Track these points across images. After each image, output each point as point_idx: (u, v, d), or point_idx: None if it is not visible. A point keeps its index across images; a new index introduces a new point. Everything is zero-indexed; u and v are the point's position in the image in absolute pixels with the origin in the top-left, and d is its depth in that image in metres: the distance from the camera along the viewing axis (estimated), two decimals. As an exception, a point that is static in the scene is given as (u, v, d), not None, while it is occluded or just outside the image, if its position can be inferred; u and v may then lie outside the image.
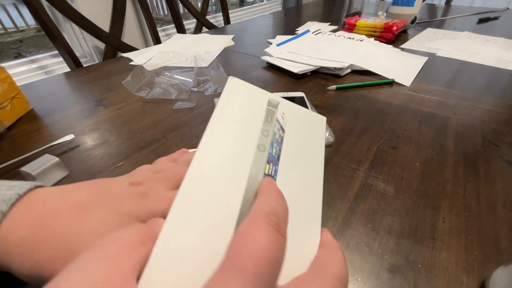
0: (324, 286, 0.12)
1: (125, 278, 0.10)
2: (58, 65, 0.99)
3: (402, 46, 0.73)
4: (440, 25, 0.95)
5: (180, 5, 1.10)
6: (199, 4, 1.28)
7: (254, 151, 0.16)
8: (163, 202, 0.16)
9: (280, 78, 0.56)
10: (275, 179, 0.16)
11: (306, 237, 0.15)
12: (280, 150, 0.17)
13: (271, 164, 0.16)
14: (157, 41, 1.06)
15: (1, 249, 0.14)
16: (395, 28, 0.74)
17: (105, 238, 0.12)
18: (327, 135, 0.34)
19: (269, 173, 0.16)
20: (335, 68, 0.56)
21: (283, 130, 0.18)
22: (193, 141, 0.38)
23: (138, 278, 0.11)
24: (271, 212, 0.12)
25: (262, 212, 0.12)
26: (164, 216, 0.13)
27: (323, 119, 0.20)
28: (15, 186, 0.16)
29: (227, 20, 1.27)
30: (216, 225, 0.13)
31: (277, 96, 0.19)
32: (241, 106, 0.17)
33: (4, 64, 0.79)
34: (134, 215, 0.16)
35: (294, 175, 0.17)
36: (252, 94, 0.18)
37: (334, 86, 0.51)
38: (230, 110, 0.17)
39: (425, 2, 1.29)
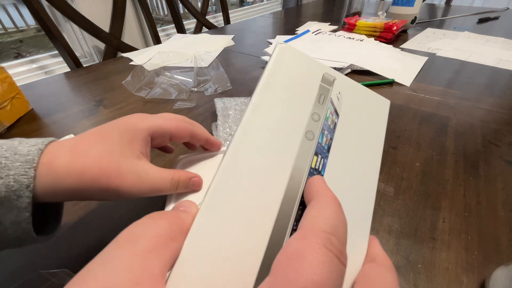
0: None
1: (154, 280, 0.10)
2: (58, 65, 0.99)
3: (402, 46, 0.73)
4: (440, 25, 0.95)
5: (180, 5, 1.10)
6: (199, 4, 1.28)
7: (301, 139, 0.13)
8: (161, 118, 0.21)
9: (280, 78, 0.56)
10: (322, 175, 0.13)
11: (353, 246, 0.12)
12: (331, 139, 0.14)
13: (320, 156, 0.13)
14: (157, 41, 1.06)
15: (53, 177, 0.16)
16: (395, 28, 0.74)
17: (135, 230, 0.11)
18: None
19: (316, 167, 0.13)
20: (335, 68, 0.56)
21: (337, 114, 0.15)
22: (193, 141, 0.38)
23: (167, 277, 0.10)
24: (331, 233, 0.10)
25: (321, 232, 0.10)
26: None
27: (386, 102, 0.17)
28: (38, 139, 0.18)
29: (227, 20, 1.27)
30: (251, 226, 0.11)
31: (334, 71, 0.16)
32: (289, 81, 0.14)
33: (4, 64, 0.78)
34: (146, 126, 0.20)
35: (344, 172, 0.14)
36: (304, 66, 0.15)
37: (334, 86, 0.51)
38: (276, 86, 0.14)
39: (425, 2, 1.29)
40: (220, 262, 0.11)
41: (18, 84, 0.45)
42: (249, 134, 0.13)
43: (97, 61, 1.07)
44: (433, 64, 0.62)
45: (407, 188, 0.29)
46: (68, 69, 0.80)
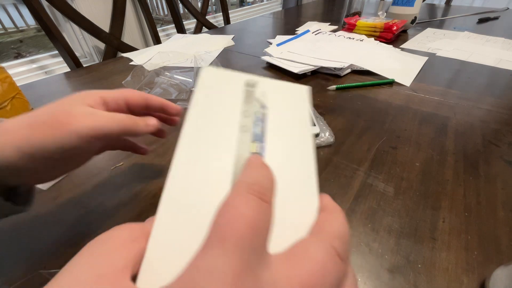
0: (322, 246, 0.11)
1: (117, 274, 0.10)
2: (58, 65, 0.99)
3: (402, 46, 0.73)
4: (440, 25, 0.95)
5: (180, 5, 1.10)
6: (199, 4, 1.28)
7: (237, 133, 0.16)
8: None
9: (280, 78, 0.56)
10: (262, 155, 0.15)
11: (302, 205, 0.14)
12: (264, 128, 0.17)
13: (257, 142, 0.16)
14: (157, 41, 1.06)
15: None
16: (395, 28, 0.74)
17: (100, 237, 0.12)
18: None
19: (257, 151, 0.15)
20: (335, 68, 0.56)
21: (265, 107, 0.18)
22: (193, 141, 0.38)
23: (135, 275, 0.11)
24: (253, 183, 0.12)
25: (244, 183, 0.12)
26: None
27: (305, 88, 0.20)
28: None
29: (227, 20, 1.27)
30: (207, 213, 0.13)
31: (256, 76, 0.19)
32: (217, 94, 0.17)
33: (4, 64, 0.78)
34: None
35: (282, 149, 0.16)
36: (227, 79, 0.18)
37: (334, 86, 0.51)
38: (206, 100, 0.17)
39: (425, 2, 1.29)
40: (184, 246, 0.12)
41: (18, 84, 0.45)
42: (192, 141, 0.15)
43: (97, 61, 1.07)
44: (433, 64, 0.62)
45: (407, 188, 0.29)
46: (68, 69, 0.80)
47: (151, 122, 0.22)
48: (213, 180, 0.14)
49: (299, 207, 0.14)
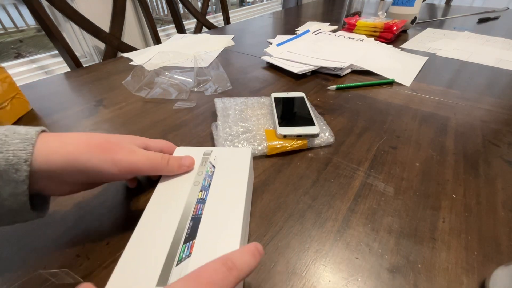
0: (217, 260, 0.15)
1: None
2: (58, 65, 0.99)
3: (402, 46, 0.73)
4: (440, 25, 0.95)
5: (180, 5, 1.10)
6: (199, 4, 1.28)
7: (191, 186, 0.23)
8: None
9: (280, 78, 0.56)
10: (205, 200, 0.21)
11: (225, 240, 0.18)
12: (211, 180, 0.23)
13: (203, 191, 0.22)
14: (157, 41, 1.06)
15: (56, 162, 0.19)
16: (395, 28, 0.74)
17: None
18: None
19: (201, 197, 0.22)
20: (335, 68, 0.56)
21: (214, 167, 0.25)
22: (193, 141, 0.38)
23: None
24: (230, 259, 0.15)
25: (224, 257, 0.15)
26: None
27: (247, 150, 0.26)
28: (30, 127, 0.20)
29: (227, 20, 1.27)
30: (159, 240, 0.18)
31: (212, 148, 0.27)
32: None
33: (4, 64, 0.78)
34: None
35: (220, 196, 0.22)
36: (193, 152, 0.26)
37: (334, 86, 0.51)
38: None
39: (425, 2, 1.29)
40: (140, 272, 0.17)
41: (18, 84, 0.45)
42: (160, 194, 0.22)
43: (97, 61, 1.07)
44: (433, 64, 0.62)
45: (407, 188, 0.29)
46: (68, 69, 0.80)
47: (186, 163, 0.24)
48: (168, 218, 0.20)
49: (219, 243, 0.18)
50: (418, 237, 0.24)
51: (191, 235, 0.19)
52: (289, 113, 0.39)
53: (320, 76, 0.57)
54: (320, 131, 0.35)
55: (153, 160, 0.23)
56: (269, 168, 0.32)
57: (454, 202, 0.27)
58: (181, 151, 0.26)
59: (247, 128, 0.37)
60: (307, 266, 0.22)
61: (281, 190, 0.29)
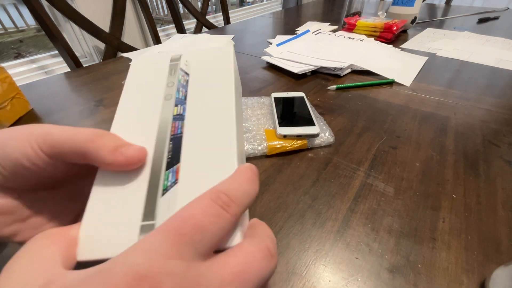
0: (254, 241, 0.12)
1: (47, 267, 0.11)
2: (58, 65, 0.99)
3: (402, 46, 0.73)
4: (440, 25, 0.95)
5: (180, 5, 1.10)
6: (199, 4, 1.28)
7: (161, 102, 0.18)
8: None
9: (280, 78, 0.56)
10: (184, 116, 0.17)
11: (218, 159, 0.15)
12: (186, 91, 0.19)
13: (179, 105, 0.18)
14: (157, 41, 1.05)
15: None
16: (395, 28, 0.74)
17: (21, 250, 0.12)
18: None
19: (178, 113, 0.17)
20: (335, 68, 0.56)
21: (187, 74, 0.19)
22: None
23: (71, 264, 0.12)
24: (223, 192, 0.12)
25: (214, 190, 0.12)
26: None
27: (228, 43, 0.21)
28: None
29: (227, 20, 1.27)
30: (132, 173, 0.15)
31: (180, 51, 0.21)
32: (145, 76, 0.20)
33: (4, 64, 0.79)
34: None
35: (202, 107, 0.18)
36: (154, 61, 0.20)
37: (334, 86, 0.51)
38: (135, 84, 0.19)
39: (425, 2, 1.29)
40: (116, 203, 0.14)
41: (18, 84, 0.45)
42: (124, 116, 0.18)
43: (97, 61, 1.07)
44: (433, 64, 0.62)
45: (407, 188, 0.29)
46: (68, 69, 0.80)
47: (131, 152, 0.15)
48: (141, 141, 0.16)
49: (213, 161, 0.15)
50: (418, 237, 0.24)
51: (174, 159, 0.15)
52: (289, 113, 0.39)
53: (320, 76, 0.57)
54: (320, 131, 0.35)
55: (78, 131, 0.14)
56: (269, 168, 0.32)
57: (454, 202, 0.27)
58: (139, 61, 0.21)
59: (247, 128, 0.37)
60: (307, 266, 0.22)
61: (281, 190, 0.29)
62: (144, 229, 0.13)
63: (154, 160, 0.15)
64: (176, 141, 0.16)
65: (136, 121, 0.17)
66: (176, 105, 0.18)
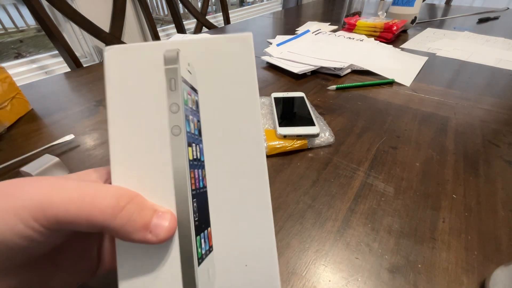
0: None
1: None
2: (58, 65, 0.99)
3: (402, 46, 0.73)
4: (440, 25, 0.95)
5: (180, 5, 1.10)
6: (199, 4, 1.28)
7: (169, 138, 0.13)
8: None
9: (280, 78, 0.56)
10: (203, 162, 0.13)
11: (251, 219, 0.13)
12: (198, 121, 0.13)
13: (194, 145, 0.13)
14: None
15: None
16: (395, 28, 0.74)
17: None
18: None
19: (195, 157, 0.13)
20: (335, 68, 0.56)
21: (195, 91, 0.13)
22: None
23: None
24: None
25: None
26: None
27: (246, 39, 0.14)
28: None
29: (227, 20, 1.27)
30: None
31: (175, 40, 0.14)
32: (133, 84, 0.13)
33: (4, 64, 0.79)
34: None
35: (223, 146, 0.13)
36: (140, 59, 0.13)
37: (334, 86, 0.51)
38: (124, 96, 0.13)
39: (425, 2, 1.29)
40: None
41: (18, 84, 0.45)
42: (121, 154, 0.13)
43: (97, 61, 1.07)
44: (433, 64, 0.62)
45: (407, 188, 0.29)
46: (68, 69, 0.80)
47: (164, 223, 0.13)
48: (156, 198, 0.13)
49: (248, 220, 0.13)
50: (418, 237, 0.24)
51: (202, 222, 0.13)
52: (289, 113, 0.39)
53: (320, 76, 0.57)
54: (320, 131, 0.35)
55: (92, 196, 0.11)
56: (269, 168, 0.32)
57: (454, 202, 0.27)
58: (117, 56, 0.14)
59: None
60: (307, 266, 0.22)
61: (281, 190, 0.29)
62: None
63: (180, 222, 0.13)
64: (200, 198, 0.13)
65: (141, 163, 0.13)
66: (189, 145, 0.13)
